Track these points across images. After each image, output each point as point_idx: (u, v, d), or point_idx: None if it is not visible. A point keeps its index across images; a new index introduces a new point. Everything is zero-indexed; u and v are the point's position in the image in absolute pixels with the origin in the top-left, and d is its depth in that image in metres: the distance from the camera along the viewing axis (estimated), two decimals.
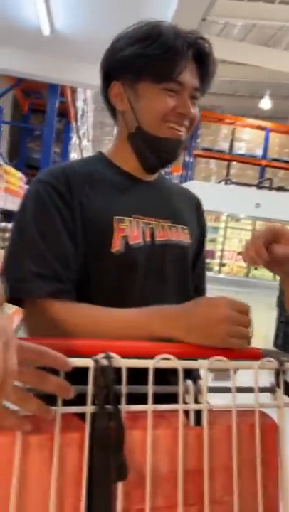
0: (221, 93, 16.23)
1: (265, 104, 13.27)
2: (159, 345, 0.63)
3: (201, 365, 0.60)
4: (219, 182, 12.45)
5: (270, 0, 10.31)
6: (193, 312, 0.71)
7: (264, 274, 13.37)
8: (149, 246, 0.91)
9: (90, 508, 0.52)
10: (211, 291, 1.08)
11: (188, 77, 0.89)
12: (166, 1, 4.41)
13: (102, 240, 0.86)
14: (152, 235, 0.92)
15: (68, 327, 0.76)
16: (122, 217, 0.89)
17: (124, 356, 0.56)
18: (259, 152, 13.18)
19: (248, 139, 13.05)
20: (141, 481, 0.55)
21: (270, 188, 12.89)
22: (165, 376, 0.59)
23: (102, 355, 0.55)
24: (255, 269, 5.43)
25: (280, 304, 6.26)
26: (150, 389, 0.56)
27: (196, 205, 1.09)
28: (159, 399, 0.58)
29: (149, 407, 0.56)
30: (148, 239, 0.91)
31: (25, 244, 0.83)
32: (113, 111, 0.97)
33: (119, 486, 0.53)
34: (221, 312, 0.68)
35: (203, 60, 0.91)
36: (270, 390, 0.65)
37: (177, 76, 0.87)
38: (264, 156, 13.19)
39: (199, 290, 1.07)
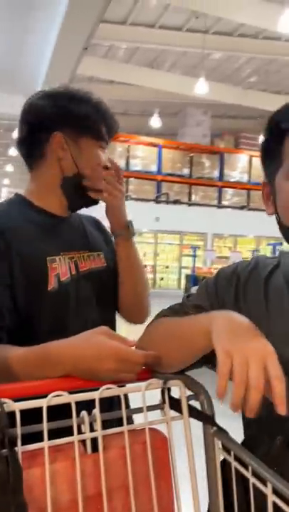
0: (114, 112, 16.69)
1: (155, 122, 13.92)
2: (51, 382, 0.67)
3: (93, 395, 0.65)
4: None
5: (150, 25, 10.90)
6: (83, 349, 0.72)
7: (168, 283, 13.89)
8: (76, 278, 1.04)
9: None
10: None
11: (107, 135, 1.11)
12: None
13: (40, 281, 0.97)
14: (76, 268, 1.05)
15: None
16: (53, 257, 1.01)
17: (17, 399, 0.59)
18: (154, 168, 13.74)
19: (143, 155, 13.54)
20: None
21: (167, 202, 13.50)
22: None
23: None
24: None
25: None
26: (45, 426, 0.60)
27: (95, 223, 1.23)
28: (64, 431, 0.61)
29: (45, 443, 0.60)
30: (74, 272, 1.04)
31: None
32: (37, 156, 1.07)
33: None
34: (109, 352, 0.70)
35: (113, 126, 1.14)
36: (159, 407, 0.72)
37: (109, 138, 1.11)
38: (159, 172, 13.78)
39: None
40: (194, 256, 10.22)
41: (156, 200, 13.64)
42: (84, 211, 1.19)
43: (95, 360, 0.69)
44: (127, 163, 13.43)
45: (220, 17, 10.06)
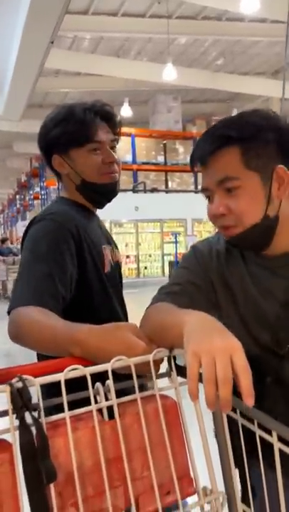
0: None
1: (126, 111, 13.86)
2: (66, 360, 0.71)
3: (106, 367, 0.69)
4: None
5: (113, 13, 10.81)
6: (109, 343, 0.77)
7: (152, 271, 13.95)
8: (114, 266, 1.27)
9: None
10: None
11: (103, 134, 1.21)
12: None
13: (101, 265, 1.19)
14: (112, 257, 1.27)
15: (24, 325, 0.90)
16: (104, 246, 1.24)
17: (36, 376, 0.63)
18: (129, 158, 13.73)
19: (117, 145, 13.52)
20: (70, 479, 0.62)
21: (145, 191, 13.51)
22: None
23: (16, 378, 0.61)
24: None
25: None
26: (64, 399, 0.64)
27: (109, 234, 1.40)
28: (81, 403, 0.66)
29: (66, 414, 0.64)
30: (115, 260, 1.29)
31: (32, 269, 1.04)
32: (58, 174, 1.26)
33: (52, 488, 0.60)
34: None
35: (110, 119, 1.24)
36: (167, 374, 0.77)
37: (93, 138, 1.19)
38: (134, 161, 13.78)
39: None
40: (176, 242, 10.30)
41: (134, 190, 13.63)
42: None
43: (120, 353, 0.71)
44: None
45: (182, 0, 10.04)
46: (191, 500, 0.72)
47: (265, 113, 0.92)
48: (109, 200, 1.29)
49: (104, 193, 1.25)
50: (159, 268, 13.76)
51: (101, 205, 1.29)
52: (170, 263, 11.47)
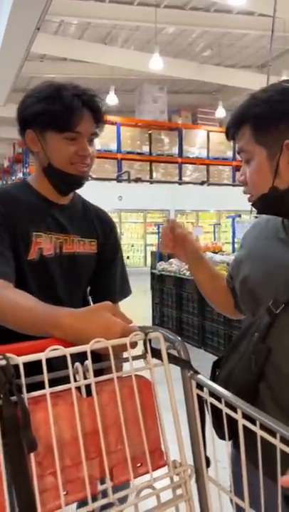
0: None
1: (112, 99, 13.76)
2: (47, 341, 0.75)
3: (85, 348, 0.74)
4: None
5: None
6: (89, 322, 0.81)
7: (135, 261, 14.00)
8: (58, 256, 1.23)
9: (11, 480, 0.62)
10: None
11: (85, 126, 1.18)
12: None
13: (23, 251, 1.16)
14: (60, 248, 1.24)
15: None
16: (39, 233, 1.20)
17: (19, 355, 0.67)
18: (113, 146, 13.66)
19: (101, 134, 13.42)
20: (49, 450, 0.67)
21: (129, 180, 13.50)
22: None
23: (0, 356, 0.65)
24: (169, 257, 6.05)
25: (153, 288, 6.71)
26: (45, 376, 0.68)
27: (109, 227, 1.40)
28: (61, 381, 0.70)
29: (47, 390, 0.68)
30: (58, 251, 1.23)
31: None
32: (32, 150, 1.25)
33: (32, 458, 0.64)
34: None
35: (96, 112, 1.21)
36: (142, 356, 0.82)
37: (74, 128, 1.16)
38: (118, 150, 13.72)
39: (110, 291, 1.37)
40: (158, 233, 10.36)
41: (118, 179, 13.61)
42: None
43: (100, 334, 0.75)
44: None
45: None
46: (162, 471, 0.78)
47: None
48: (71, 190, 1.28)
49: (68, 182, 1.24)
50: (142, 258, 13.83)
51: (62, 193, 1.27)
52: (152, 253, 11.54)
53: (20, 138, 1.27)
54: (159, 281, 6.47)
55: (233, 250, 6.56)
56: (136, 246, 14.17)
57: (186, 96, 16.97)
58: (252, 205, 1.04)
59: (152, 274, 6.65)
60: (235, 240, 6.73)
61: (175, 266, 6.01)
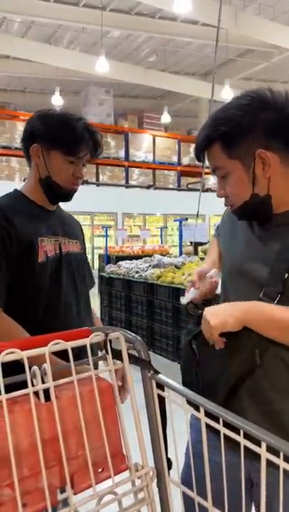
0: (11, 89, 15.89)
1: (57, 100, 13.54)
2: (5, 343, 0.70)
3: (43, 350, 0.70)
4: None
5: None
6: None
7: None
8: (58, 257, 1.42)
9: None
10: None
11: (84, 153, 1.41)
12: None
13: (33, 254, 1.34)
14: (60, 249, 1.43)
15: None
16: (42, 238, 1.38)
17: None
18: None
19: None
20: (5, 461, 0.63)
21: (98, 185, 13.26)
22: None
23: None
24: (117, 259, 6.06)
25: (102, 291, 6.66)
26: (0, 381, 0.64)
27: (79, 226, 1.67)
28: (18, 386, 0.66)
29: (2, 396, 0.64)
30: (57, 251, 1.42)
31: None
32: (28, 158, 1.45)
33: None
34: None
35: (97, 145, 1.44)
36: (103, 358, 0.79)
37: (79, 155, 1.39)
38: None
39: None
40: (106, 236, 10.30)
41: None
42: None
43: None
44: None
45: None
46: (124, 476, 0.76)
47: (251, 97, 1.01)
48: (62, 201, 1.49)
49: (62, 195, 1.45)
50: (90, 261, 13.67)
51: (54, 202, 1.48)
52: (100, 256, 11.46)
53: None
54: (107, 284, 6.43)
55: (180, 253, 6.65)
56: None
57: (132, 100, 17.06)
58: (233, 212, 1.11)
59: (101, 276, 6.60)
60: (182, 243, 6.84)
61: (124, 269, 6.00)
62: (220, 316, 0.95)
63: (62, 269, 1.42)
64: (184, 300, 1.18)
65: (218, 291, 1.20)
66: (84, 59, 12.24)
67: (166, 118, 15.88)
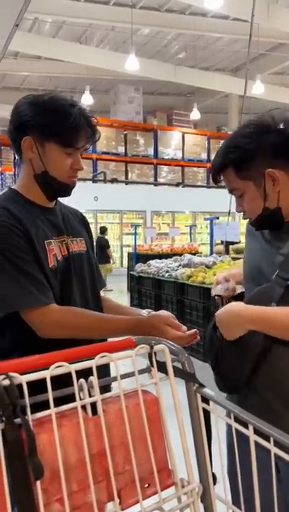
0: (43, 89, 16.12)
1: (87, 99, 13.63)
2: (51, 355, 0.70)
3: (90, 363, 0.70)
4: None
5: None
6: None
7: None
8: (66, 258, 1.29)
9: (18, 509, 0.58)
10: None
11: (83, 142, 1.26)
12: None
13: (44, 260, 1.23)
14: (67, 249, 1.31)
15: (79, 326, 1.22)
16: (49, 240, 1.26)
17: (22, 373, 0.62)
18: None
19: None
20: (55, 476, 0.62)
21: (105, 181, 13.41)
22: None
23: (2, 376, 0.60)
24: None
25: (131, 289, 6.67)
26: (50, 395, 0.64)
27: (82, 219, 1.48)
28: (64, 400, 0.66)
29: (52, 411, 0.64)
30: (65, 253, 1.30)
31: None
32: (19, 153, 1.29)
33: (38, 485, 0.60)
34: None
35: (93, 130, 1.28)
36: (147, 370, 0.78)
37: (76, 144, 1.25)
38: (94, 150, 13.60)
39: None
40: (135, 234, 10.32)
41: (94, 180, 13.49)
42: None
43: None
44: None
45: None
46: (170, 491, 0.75)
47: (254, 125, 1.17)
48: (60, 196, 1.35)
49: (61, 190, 1.31)
50: (118, 259, 13.75)
51: (52, 199, 1.34)
52: (129, 254, 11.49)
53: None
54: (137, 283, 6.44)
55: (211, 252, 6.57)
56: (112, 247, 14.10)
57: (161, 97, 17.00)
58: (251, 224, 1.26)
59: (131, 275, 6.60)
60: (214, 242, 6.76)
61: (154, 268, 5.99)
62: (231, 332, 1.17)
63: (71, 272, 1.30)
64: (213, 292, 1.37)
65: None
66: (114, 57, 12.28)
67: (195, 115, 15.73)
